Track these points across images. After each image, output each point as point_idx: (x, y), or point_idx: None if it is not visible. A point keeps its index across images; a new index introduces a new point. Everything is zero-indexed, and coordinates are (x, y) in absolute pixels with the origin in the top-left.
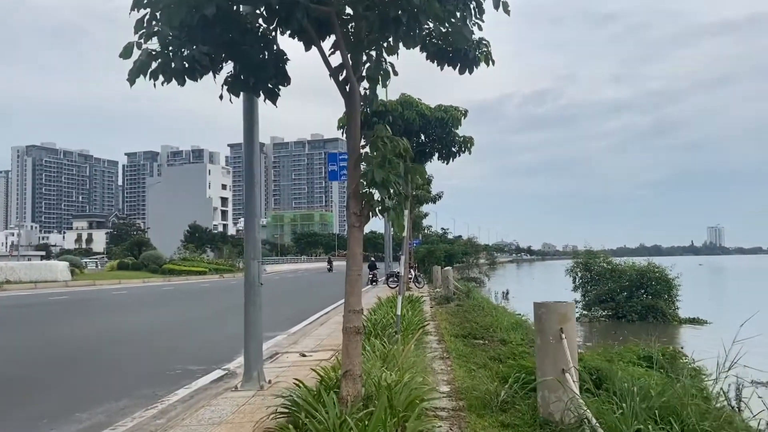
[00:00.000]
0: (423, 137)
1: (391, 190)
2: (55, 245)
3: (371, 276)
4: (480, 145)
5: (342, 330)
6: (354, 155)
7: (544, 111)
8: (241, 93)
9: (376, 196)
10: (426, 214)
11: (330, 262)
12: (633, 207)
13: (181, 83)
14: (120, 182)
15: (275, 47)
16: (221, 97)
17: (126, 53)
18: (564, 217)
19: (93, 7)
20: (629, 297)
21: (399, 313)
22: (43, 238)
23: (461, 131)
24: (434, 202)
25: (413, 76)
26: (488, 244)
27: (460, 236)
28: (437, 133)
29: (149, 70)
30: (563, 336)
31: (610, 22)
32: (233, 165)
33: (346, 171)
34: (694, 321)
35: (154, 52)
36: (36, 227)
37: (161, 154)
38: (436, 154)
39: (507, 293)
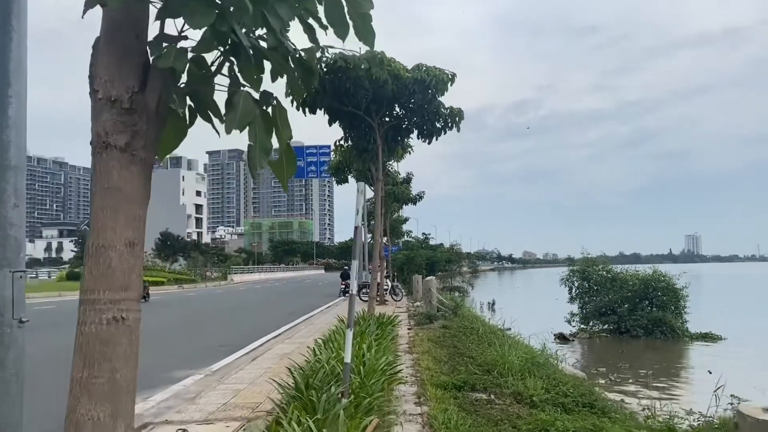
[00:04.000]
0: (398, 108)
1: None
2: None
3: (343, 286)
4: (461, 154)
5: None
6: None
7: (525, 121)
8: None
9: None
10: (406, 219)
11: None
12: (612, 215)
13: None
14: None
15: None
16: None
17: None
18: (544, 225)
19: (76, 14)
20: (632, 309)
21: (348, 360)
22: None
23: (447, 101)
24: (414, 203)
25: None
26: (470, 251)
27: (441, 244)
28: (417, 101)
29: None
30: None
31: (591, 34)
32: (210, 172)
33: (313, 167)
34: (707, 336)
35: None
36: None
37: None
38: (416, 131)
39: (493, 304)
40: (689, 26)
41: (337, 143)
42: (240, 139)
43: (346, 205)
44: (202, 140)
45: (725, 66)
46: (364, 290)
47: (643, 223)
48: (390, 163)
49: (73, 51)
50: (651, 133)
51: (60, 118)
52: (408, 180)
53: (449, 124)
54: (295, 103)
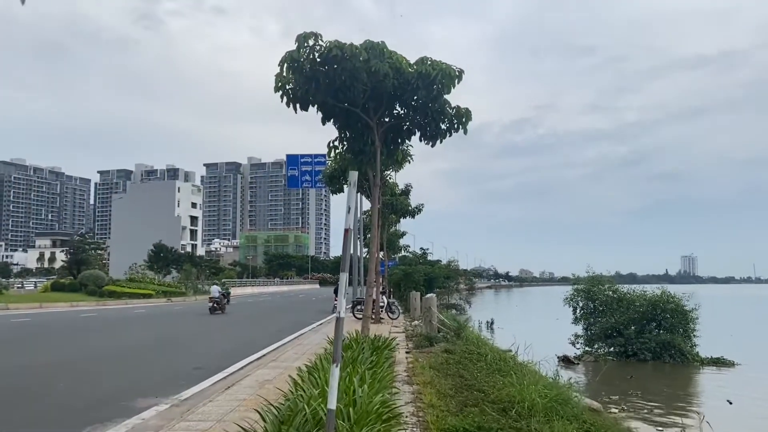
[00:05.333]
0: (399, 108)
1: None
2: (17, 264)
3: (337, 302)
4: (458, 172)
5: None
6: None
7: (522, 139)
8: None
9: None
10: (404, 233)
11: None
12: (608, 235)
13: None
14: (92, 201)
15: None
16: None
17: None
18: (541, 243)
19: (78, 26)
20: (640, 332)
21: (333, 406)
22: (7, 257)
23: (452, 99)
24: (413, 216)
25: None
26: (466, 268)
27: (439, 260)
28: (420, 97)
29: None
30: None
31: (589, 55)
32: (207, 184)
33: (308, 176)
34: (719, 362)
35: None
36: (1, 245)
37: (135, 172)
38: (418, 133)
39: (492, 323)
40: (686, 49)
41: (331, 144)
42: (238, 151)
43: (343, 219)
44: (200, 152)
45: (722, 88)
46: (358, 307)
47: (639, 244)
48: (388, 172)
49: (74, 63)
50: (648, 154)
51: (57, 128)
52: (406, 192)
53: (455, 126)
54: (284, 99)
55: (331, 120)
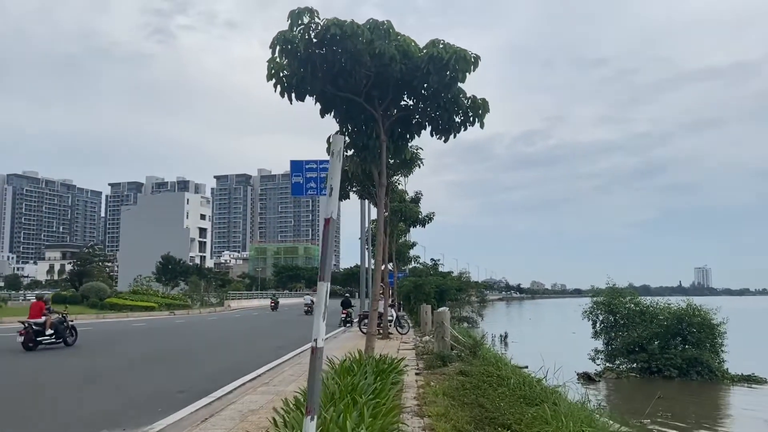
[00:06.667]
0: (406, 97)
1: None
2: (27, 276)
3: (344, 316)
4: (468, 183)
5: None
6: None
7: (533, 151)
8: None
9: None
10: (414, 243)
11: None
12: (620, 247)
13: None
14: (103, 213)
15: None
16: None
17: None
18: (552, 255)
19: (92, 41)
20: (664, 347)
21: None
22: (18, 269)
23: (468, 89)
24: (423, 225)
25: None
26: (477, 281)
27: (450, 272)
28: (432, 84)
29: None
30: None
31: (600, 66)
32: (218, 196)
33: (313, 183)
34: (750, 379)
35: None
36: (12, 257)
37: (146, 185)
38: (429, 127)
39: (505, 337)
40: (699, 60)
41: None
42: (249, 164)
43: (352, 229)
44: (211, 165)
45: (735, 99)
46: (365, 321)
47: (653, 256)
48: (397, 177)
49: (86, 76)
50: (660, 165)
51: (69, 141)
52: (417, 199)
53: (470, 118)
54: (278, 88)
55: (332, 113)
